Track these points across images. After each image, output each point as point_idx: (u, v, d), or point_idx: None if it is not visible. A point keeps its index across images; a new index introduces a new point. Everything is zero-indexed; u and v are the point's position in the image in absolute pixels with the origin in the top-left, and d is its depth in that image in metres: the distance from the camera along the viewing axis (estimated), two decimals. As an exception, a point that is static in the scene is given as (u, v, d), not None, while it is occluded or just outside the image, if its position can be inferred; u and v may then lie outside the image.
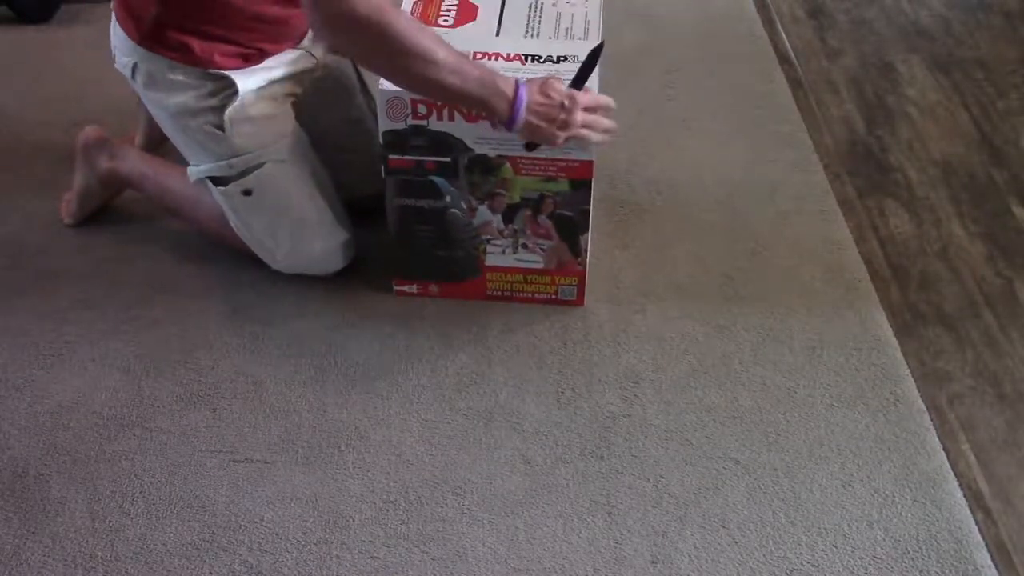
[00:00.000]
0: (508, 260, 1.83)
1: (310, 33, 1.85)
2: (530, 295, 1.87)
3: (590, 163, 1.71)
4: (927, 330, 1.85)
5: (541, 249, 1.81)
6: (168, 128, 1.83)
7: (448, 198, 1.77)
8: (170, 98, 1.76)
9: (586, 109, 1.63)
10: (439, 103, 1.66)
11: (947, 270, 1.97)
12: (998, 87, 2.41)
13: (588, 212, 1.76)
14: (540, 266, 1.83)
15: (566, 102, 1.60)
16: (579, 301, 1.87)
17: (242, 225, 1.85)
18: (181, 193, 1.90)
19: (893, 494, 1.58)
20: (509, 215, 1.78)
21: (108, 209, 2.04)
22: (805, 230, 2.03)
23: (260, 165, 1.77)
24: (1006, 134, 2.28)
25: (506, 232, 1.80)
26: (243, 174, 1.78)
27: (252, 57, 1.76)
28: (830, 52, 2.53)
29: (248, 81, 1.75)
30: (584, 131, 1.64)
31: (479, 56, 1.71)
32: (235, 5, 1.69)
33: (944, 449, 1.64)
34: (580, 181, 1.73)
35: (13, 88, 2.39)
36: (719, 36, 2.56)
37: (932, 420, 1.69)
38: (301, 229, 1.83)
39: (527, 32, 1.78)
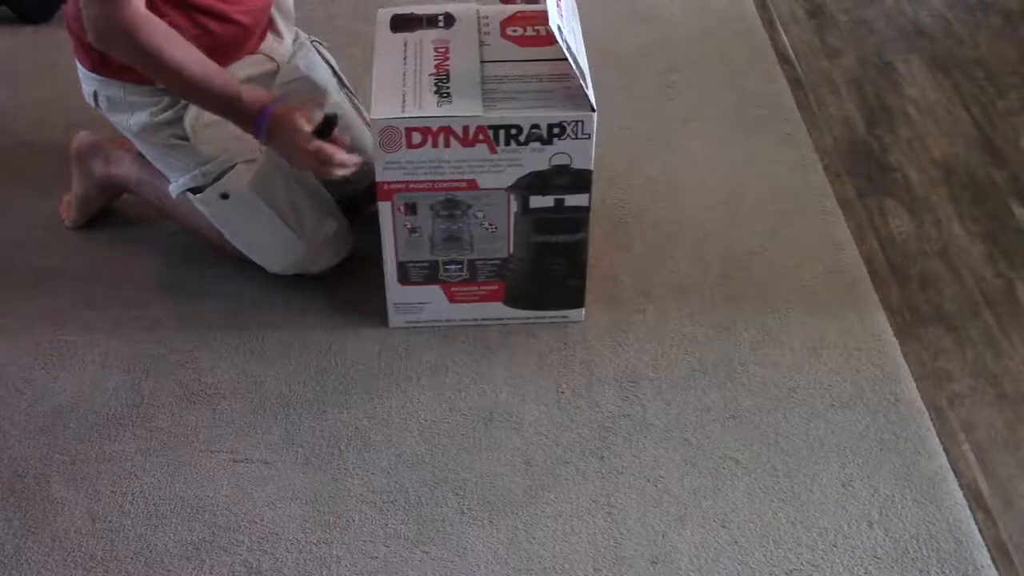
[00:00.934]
0: None
1: (268, 37, 1.86)
2: None
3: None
4: (927, 330, 1.85)
5: None
6: (140, 147, 1.86)
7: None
8: (131, 119, 1.79)
9: (320, 157, 1.62)
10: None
11: (947, 270, 1.96)
12: (998, 87, 2.41)
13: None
14: None
15: (292, 137, 1.62)
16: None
17: (228, 231, 1.84)
18: (177, 198, 1.90)
19: (893, 494, 1.58)
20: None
21: (108, 210, 2.04)
22: (805, 230, 2.03)
23: (232, 167, 1.78)
24: (1006, 134, 2.28)
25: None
26: (217, 179, 1.78)
27: None
28: (830, 52, 2.53)
29: None
30: (310, 170, 1.67)
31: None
32: (177, 24, 1.67)
33: (944, 449, 1.64)
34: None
35: (13, 88, 2.39)
36: (719, 36, 2.56)
37: (932, 420, 1.69)
38: (285, 225, 1.82)
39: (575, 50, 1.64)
